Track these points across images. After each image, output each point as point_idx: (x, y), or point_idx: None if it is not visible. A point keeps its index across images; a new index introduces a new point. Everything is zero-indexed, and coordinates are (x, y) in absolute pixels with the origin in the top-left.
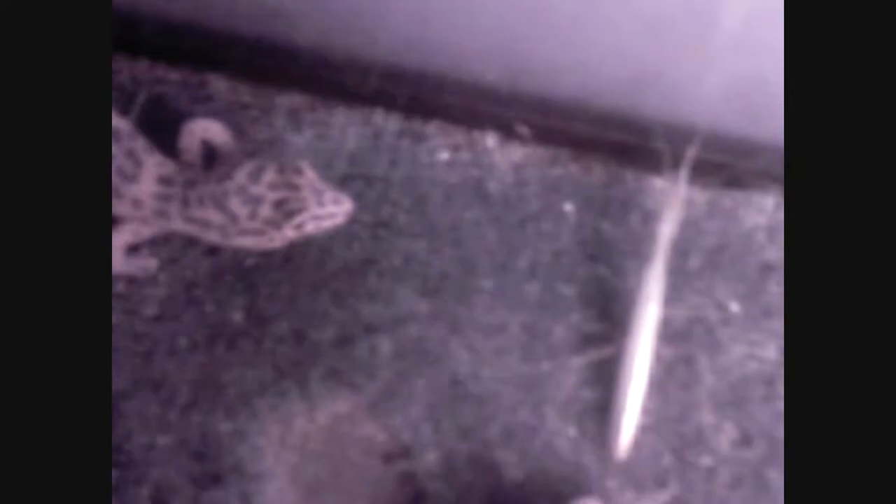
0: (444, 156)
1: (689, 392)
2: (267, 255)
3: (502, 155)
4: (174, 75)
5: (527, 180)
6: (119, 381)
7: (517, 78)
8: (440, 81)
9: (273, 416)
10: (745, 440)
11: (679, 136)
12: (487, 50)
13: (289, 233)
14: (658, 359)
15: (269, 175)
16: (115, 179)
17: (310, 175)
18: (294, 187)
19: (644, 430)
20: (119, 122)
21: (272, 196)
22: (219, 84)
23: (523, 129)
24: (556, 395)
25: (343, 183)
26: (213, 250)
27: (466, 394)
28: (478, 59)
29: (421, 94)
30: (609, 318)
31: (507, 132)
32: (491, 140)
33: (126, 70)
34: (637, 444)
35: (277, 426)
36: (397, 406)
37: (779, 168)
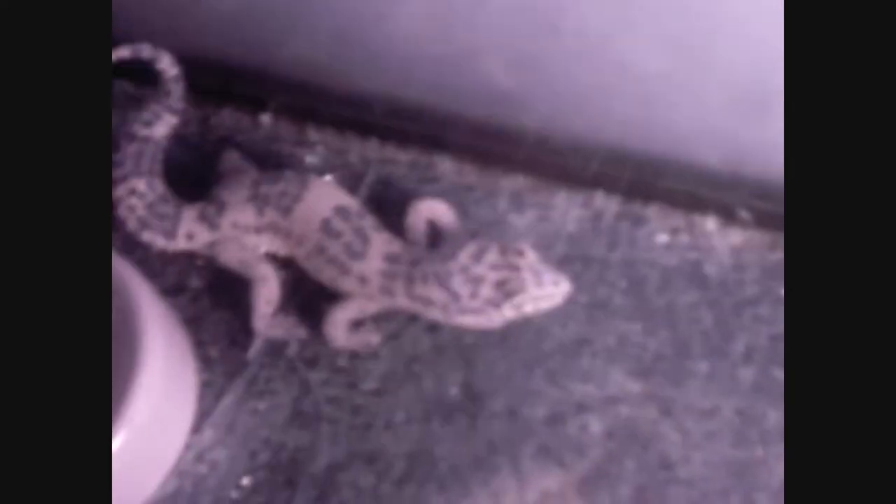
0: (663, 238)
1: None
2: (485, 333)
3: (722, 238)
4: (403, 156)
5: (746, 264)
6: (336, 453)
7: (740, 162)
8: (662, 165)
9: (484, 492)
10: None
11: None
12: (711, 133)
13: (508, 312)
14: None
15: (492, 256)
16: (342, 257)
17: (530, 256)
18: (515, 268)
19: None
20: (348, 201)
21: (493, 276)
22: (445, 165)
23: (744, 214)
24: (769, 483)
25: (562, 264)
26: (434, 327)
27: (676, 477)
28: (701, 143)
29: (642, 177)
30: None
31: (728, 216)
32: (711, 223)
33: (356, 150)
34: None
35: (488, 501)
36: (606, 486)
37: None
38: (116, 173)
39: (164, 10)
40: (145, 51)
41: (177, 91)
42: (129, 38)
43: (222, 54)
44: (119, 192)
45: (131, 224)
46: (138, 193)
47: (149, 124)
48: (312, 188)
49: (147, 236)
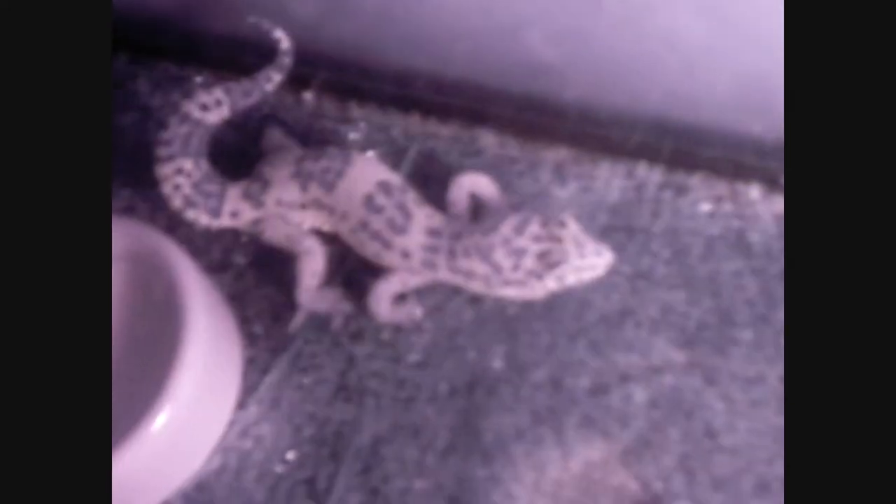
0: (706, 207)
1: None
2: (528, 304)
3: (765, 206)
4: (445, 130)
5: None
6: (380, 426)
7: (783, 129)
8: (705, 134)
9: (528, 463)
10: None
11: None
12: (753, 102)
13: (550, 284)
14: None
15: (534, 228)
16: (385, 231)
17: (572, 227)
18: (557, 239)
19: None
20: (390, 176)
21: (535, 248)
22: (488, 139)
23: None
24: None
25: (604, 234)
26: (476, 299)
27: (720, 446)
28: (744, 111)
29: (685, 147)
30: None
31: (771, 183)
32: (754, 192)
33: (399, 125)
34: None
35: (532, 472)
36: (650, 455)
37: None
38: (163, 151)
39: None
40: (276, 31)
41: (263, 84)
42: (170, 18)
43: (264, 33)
44: (166, 170)
45: (177, 202)
46: (185, 172)
47: (205, 108)
48: (355, 164)
49: (192, 214)
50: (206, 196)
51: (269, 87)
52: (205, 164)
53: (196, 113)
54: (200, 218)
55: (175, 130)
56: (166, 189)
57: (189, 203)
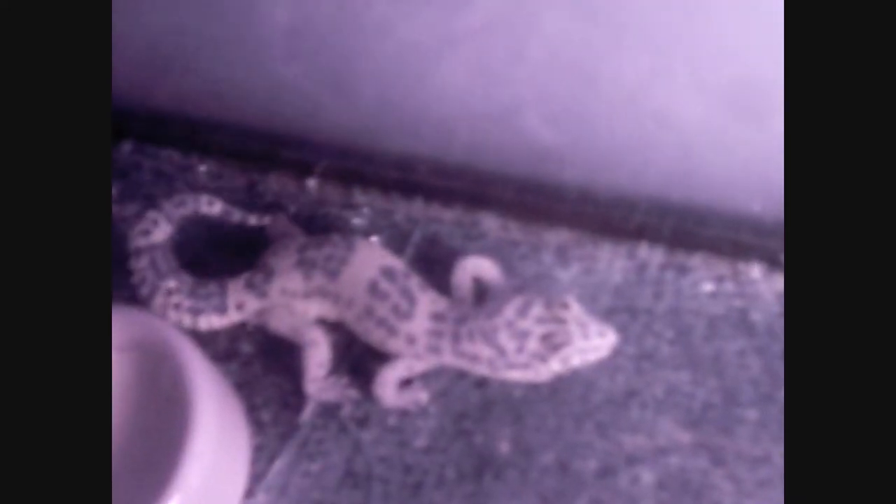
0: (708, 287)
1: None
2: (534, 387)
3: (767, 285)
4: (448, 214)
5: None
6: None
7: (782, 208)
8: (705, 213)
9: None
10: None
11: None
12: (752, 180)
13: (555, 366)
14: None
15: (537, 310)
16: (390, 318)
17: (575, 309)
18: (560, 321)
19: None
20: (394, 261)
21: (539, 330)
22: (490, 222)
23: None
24: None
25: (608, 315)
26: (482, 382)
27: None
28: (742, 191)
29: (685, 227)
30: None
31: (772, 262)
32: (756, 271)
33: (402, 210)
34: None
35: None
36: None
37: None
38: (145, 290)
39: (209, 79)
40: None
41: (202, 203)
42: (174, 108)
43: (268, 122)
44: (158, 301)
45: (186, 320)
46: (174, 290)
47: (148, 233)
48: (358, 250)
49: (203, 322)
50: (206, 298)
51: (209, 210)
52: (185, 275)
53: (143, 241)
54: (212, 321)
55: (139, 266)
56: (171, 316)
57: (196, 312)
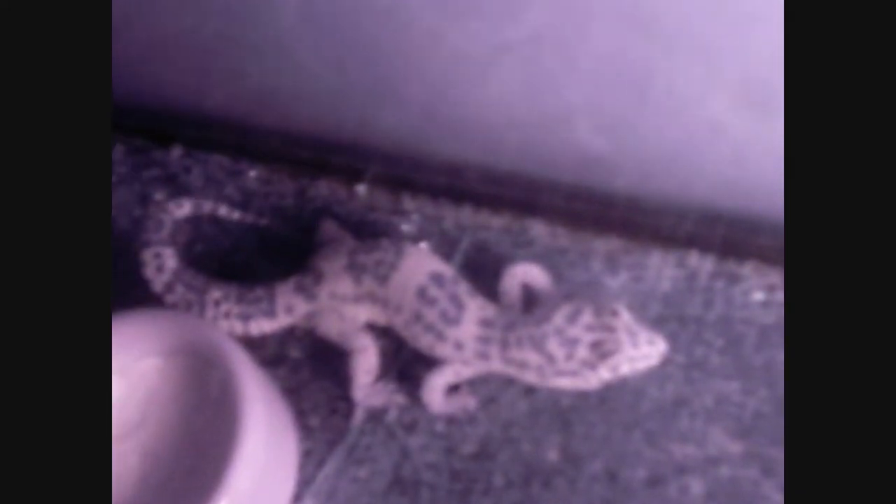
0: (759, 296)
1: None
2: (582, 395)
3: None
4: (496, 221)
5: None
6: None
7: None
8: (756, 222)
9: None
10: None
11: None
12: None
13: (604, 374)
14: None
15: (586, 317)
16: (438, 323)
17: (625, 317)
18: (610, 329)
19: None
20: (443, 267)
21: (588, 338)
22: (538, 229)
23: None
24: None
25: (657, 324)
26: (530, 390)
27: None
28: None
29: (736, 235)
30: None
31: None
32: None
33: (451, 216)
34: None
35: None
36: None
37: None
38: (195, 311)
39: (259, 86)
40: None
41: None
42: (224, 113)
43: (318, 128)
44: (209, 314)
45: (238, 327)
46: (220, 300)
47: (160, 269)
48: (408, 256)
49: (254, 327)
50: (255, 303)
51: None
52: (224, 283)
53: (170, 262)
54: (262, 325)
55: (174, 283)
56: (223, 325)
57: (245, 318)
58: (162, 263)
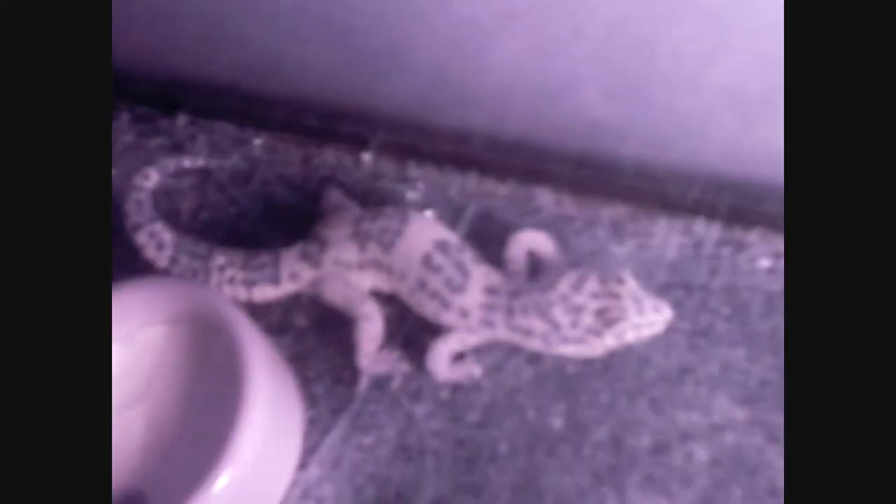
0: (765, 263)
1: None
2: (587, 362)
3: None
4: (502, 189)
5: None
6: (441, 486)
7: None
8: (763, 189)
9: None
10: None
11: None
12: None
13: (609, 341)
14: None
15: (592, 284)
16: (443, 291)
17: (631, 284)
18: (615, 296)
19: None
20: (448, 235)
21: (594, 305)
22: (544, 197)
23: None
24: None
25: (663, 291)
26: (535, 357)
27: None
28: None
29: (743, 203)
30: None
31: None
32: None
33: (456, 184)
34: None
35: None
36: None
37: None
38: (201, 279)
39: (265, 53)
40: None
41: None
42: (230, 80)
43: (323, 96)
44: (214, 280)
45: (241, 293)
46: (225, 266)
47: (161, 247)
48: (413, 223)
49: (258, 293)
50: (259, 269)
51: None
52: (229, 249)
53: (166, 236)
54: (266, 292)
55: (177, 255)
56: (227, 290)
57: (250, 283)
58: (160, 240)
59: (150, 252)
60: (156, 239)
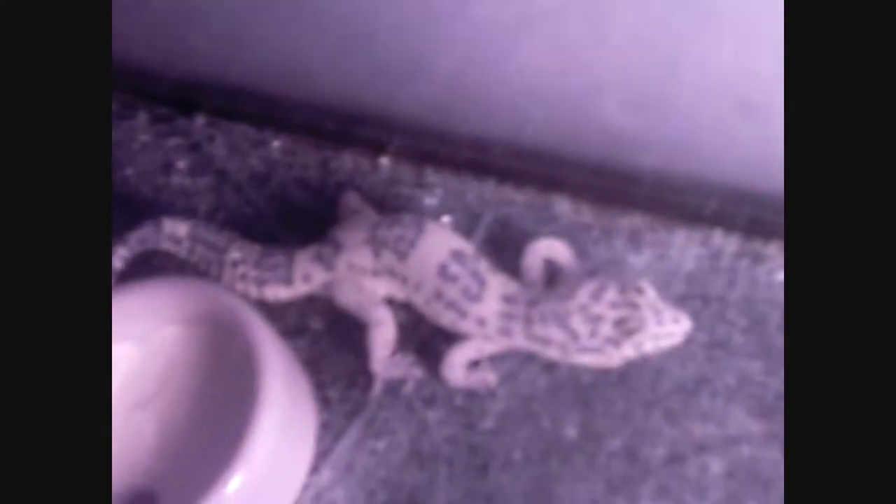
0: (783, 276)
1: None
2: (603, 372)
3: None
4: (520, 197)
5: None
6: (453, 493)
7: None
8: (782, 202)
9: None
10: None
11: None
12: None
13: (627, 351)
14: None
15: (611, 294)
16: (460, 300)
17: (650, 294)
18: (634, 306)
19: None
20: (463, 245)
21: (613, 315)
22: (562, 205)
23: None
24: None
25: (679, 303)
26: (550, 366)
27: None
28: None
29: (762, 215)
30: None
31: None
32: None
33: (474, 191)
34: None
35: None
36: None
37: None
38: (213, 271)
39: (285, 56)
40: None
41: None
42: (249, 83)
43: (343, 100)
44: (227, 275)
45: (252, 290)
46: (239, 262)
47: (178, 242)
48: (428, 233)
49: (269, 293)
50: (273, 268)
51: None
52: (248, 244)
53: (181, 229)
54: (278, 292)
55: (193, 246)
56: (238, 287)
57: (261, 282)
58: (175, 233)
59: (166, 245)
60: (172, 228)
